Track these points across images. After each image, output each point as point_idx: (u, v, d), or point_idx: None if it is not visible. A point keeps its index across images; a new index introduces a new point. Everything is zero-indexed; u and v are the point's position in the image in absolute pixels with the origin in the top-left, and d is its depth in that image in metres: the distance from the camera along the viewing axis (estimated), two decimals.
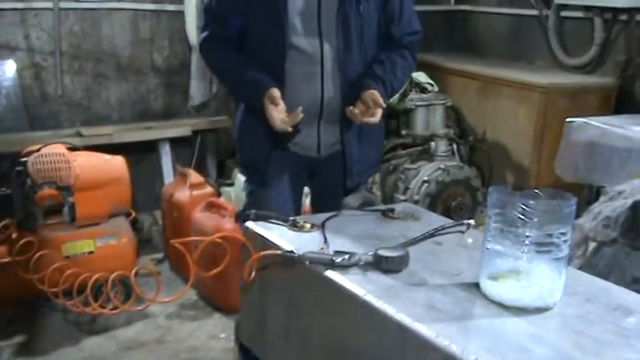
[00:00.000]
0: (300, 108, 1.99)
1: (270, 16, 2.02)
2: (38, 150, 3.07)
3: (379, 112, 2.03)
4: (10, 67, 3.91)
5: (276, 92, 2.02)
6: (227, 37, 2.14)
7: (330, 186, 2.24)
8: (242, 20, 2.09)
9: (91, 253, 3.21)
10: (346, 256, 1.41)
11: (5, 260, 3.01)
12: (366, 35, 2.07)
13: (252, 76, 2.07)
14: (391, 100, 3.72)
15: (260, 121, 2.10)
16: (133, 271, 2.42)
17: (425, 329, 1.12)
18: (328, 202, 2.02)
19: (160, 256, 3.88)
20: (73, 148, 3.31)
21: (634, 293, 1.32)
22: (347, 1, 2.00)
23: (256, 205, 2.17)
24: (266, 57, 2.09)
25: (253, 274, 1.58)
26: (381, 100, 1.99)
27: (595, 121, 3.18)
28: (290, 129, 2.04)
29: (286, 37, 2.02)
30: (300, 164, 2.24)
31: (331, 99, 2.10)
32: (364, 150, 2.22)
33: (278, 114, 2.03)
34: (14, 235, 3.06)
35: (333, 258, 1.41)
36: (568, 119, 3.30)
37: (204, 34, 2.20)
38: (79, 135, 3.94)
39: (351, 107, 2.02)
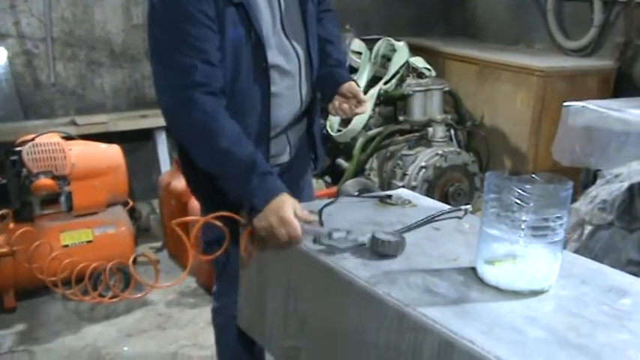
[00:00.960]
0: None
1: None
2: (33, 139, 3.07)
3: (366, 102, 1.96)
4: (1, 55, 3.89)
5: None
6: (216, 84, 1.65)
7: (297, 178, 2.08)
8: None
9: (89, 242, 3.22)
10: (343, 233, 1.40)
11: (3, 250, 3.01)
12: (311, 29, 1.91)
13: (265, 170, 1.63)
14: (388, 86, 3.73)
15: None
16: (132, 259, 2.41)
17: (422, 313, 1.13)
18: (298, 194, 1.84)
19: (158, 244, 3.89)
20: (68, 137, 3.31)
21: (629, 275, 1.32)
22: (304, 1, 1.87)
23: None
24: (248, 89, 1.74)
25: (249, 248, 1.58)
26: (361, 94, 1.93)
27: (593, 105, 3.17)
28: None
29: (265, 57, 1.73)
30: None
31: (306, 100, 1.92)
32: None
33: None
34: (12, 225, 3.06)
35: (331, 232, 1.40)
36: (566, 103, 3.30)
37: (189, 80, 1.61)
38: (74, 124, 3.93)
39: (336, 103, 1.92)
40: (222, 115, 1.64)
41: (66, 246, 3.16)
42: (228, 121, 1.64)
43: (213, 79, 1.63)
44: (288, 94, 1.83)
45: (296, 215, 1.52)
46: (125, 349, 2.84)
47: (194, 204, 3.32)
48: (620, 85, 3.84)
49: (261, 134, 1.80)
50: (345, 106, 1.92)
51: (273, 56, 1.75)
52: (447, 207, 1.76)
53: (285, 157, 1.96)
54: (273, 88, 1.77)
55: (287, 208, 1.53)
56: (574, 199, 2.27)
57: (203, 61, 1.60)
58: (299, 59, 1.83)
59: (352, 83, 1.94)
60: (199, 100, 1.60)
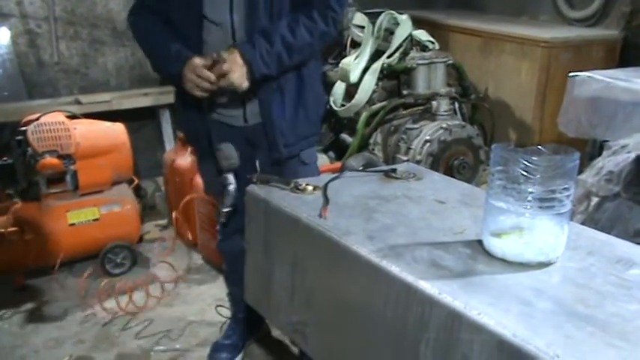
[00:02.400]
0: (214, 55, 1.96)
1: None
2: (37, 119, 3.06)
3: (237, 74, 1.93)
4: (3, 35, 3.87)
5: (197, 60, 1.96)
6: (155, 9, 2.09)
7: (264, 157, 2.18)
8: None
9: (95, 220, 3.24)
10: None
11: (11, 229, 3.03)
12: (276, 4, 1.98)
13: (177, 49, 2.01)
14: (391, 59, 3.70)
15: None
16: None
17: (429, 286, 1.13)
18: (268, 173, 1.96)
19: (164, 222, 3.90)
20: (72, 116, 3.31)
21: (636, 246, 1.32)
22: None
23: (206, 182, 2.42)
24: (185, 28, 2.05)
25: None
26: (234, 74, 1.92)
27: (599, 75, 3.14)
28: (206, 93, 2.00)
29: (201, 9, 2.00)
30: (239, 136, 2.15)
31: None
32: (293, 120, 2.13)
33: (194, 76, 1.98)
34: (18, 205, 3.08)
35: None
36: (571, 73, 3.27)
37: (135, 3, 2.16)
38: (78, 102, 3.92)
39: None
40: (148, 24, 2.09)
41: (72, 224, 3.18)
42: (149, 25, 2.08)
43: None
44: (220, 48, 1.98)
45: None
46: (133, 325, 2.87)
47: (198, 181, 3.33)
48: (626, 55, 3.80)
49: None
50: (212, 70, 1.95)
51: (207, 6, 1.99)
52: (452, 181, 1.77)
53: (239, 122, 2.13)
54: (204, 36, 2.02)
55: (194, 64, 1.93)
56: (580, 171, 2.26)
57: None
58: (232, 21, 1.98)
59: (234, 55, 1.93)
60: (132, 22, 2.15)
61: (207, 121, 2.10)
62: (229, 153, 2.06)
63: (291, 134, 2.14)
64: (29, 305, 3.05)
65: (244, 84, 1.96)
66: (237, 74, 1.93)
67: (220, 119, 2.16)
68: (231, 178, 2.08)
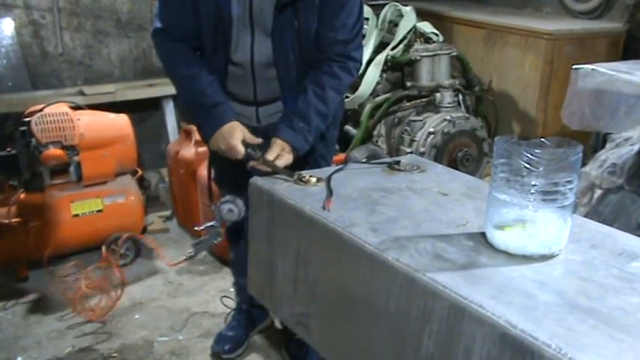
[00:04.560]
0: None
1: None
2: (41, 110, 3.07)
3: (285, 158, 1.89)
4: (7, 26, 3.87)
5: (239, 148, 1.91)
6: (181, 37, 2.03)
7: None
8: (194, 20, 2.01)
9: (99, 211, 3.24)
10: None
11: (15, 220, 3.04)
12: (304, 40, 1.98)
13: (217, 101, 2.01)
14: (395, 51, 3.70)
15: None
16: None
17: (431, 279, 1.13)
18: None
19: (167, 213, 3.91)
20: (76, 107, 3.31)
21: (639, 238, 1.32)
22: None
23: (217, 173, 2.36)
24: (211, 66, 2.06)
25: None
26: (281, 161, 1.86)
27: (602, 68, 3.13)
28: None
29: (229, 54, 2.02)
30: (252, 131, 2.11)
31: (264, 92, 2.10)
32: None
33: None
34: (22, 196, 3.09)
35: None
36: (575, 66, 3.26)
37: (158, 25, 2.04)
38: (82, 94, 3.93)
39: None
40: (178, 56, 2.03)
41: (76, 215, 3.18)
42: (184, 60, 2.03)
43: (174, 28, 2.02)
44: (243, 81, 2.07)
45: (244, 142, 1.90)
46: (136, 316, 2.88)
47: (202, 172, 3.34)
48: (629, 48, 3.79)
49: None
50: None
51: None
52: (456, 173, 1.77)
53: (252, 122, 2.14)
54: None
55: (234, 135, 1.91)
56: (584, 163, 2.26)
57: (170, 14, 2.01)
58: (252, 54, 2.01)
59: (281, 143, 1.92)
60: (159, 43, 2.08)
61: None
62: (237, 205, 1.93)
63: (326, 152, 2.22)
64: (32, 296, 3.06)
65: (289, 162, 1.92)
66: (284, 160, 1.89)
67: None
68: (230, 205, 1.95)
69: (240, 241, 2.41)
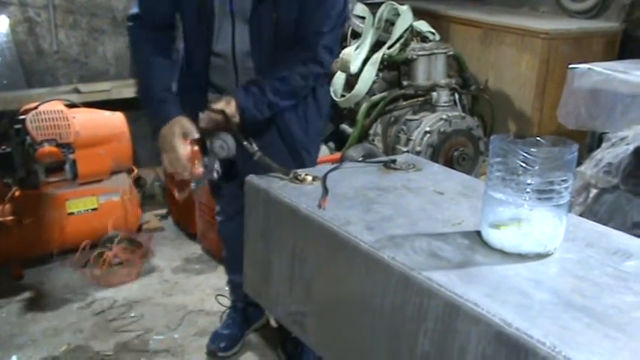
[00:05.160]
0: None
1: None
2: (36, 107, 3.06)
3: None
4: (2, 23, 3.86)
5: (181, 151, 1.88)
6: (156, 24, 2.05)
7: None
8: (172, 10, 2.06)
9: (94, 209, 3.24)
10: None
11: (10, 218, 3.03)
12: (281, 31, 1.99)
13: (161, 98, 2.00)
14: (392, 50, 3.69)
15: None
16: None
17: (427, 277, 1.13)
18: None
19: (163, 211, 3.91)
20: (71, 105, 3.30)
21: (634, 237, 1.32)
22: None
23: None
24: (194, 57, 2.12)
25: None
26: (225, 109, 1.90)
27: (598, 67, 3.14)
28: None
29: (211, 45, 2.06)
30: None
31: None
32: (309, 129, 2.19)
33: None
34: (17, 193, 3.08)
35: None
36: (571, 65, 3.27)
37: (135, 11, 2.06)
38: (77, 91, 3.92)
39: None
40: (144, 45, 2.03)
41: (71, 214, 3.18)
42: (148, 51, 2.02)
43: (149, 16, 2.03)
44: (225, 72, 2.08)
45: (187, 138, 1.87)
46: (132, 315, 2.87)
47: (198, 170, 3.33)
48: (626, 47, 3.79)
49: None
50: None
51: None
52: (452, 172, 1.77)
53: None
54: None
55: (173, 135, 1.87)
56: (579, 163, 2.27)
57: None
58: (234, 44, 2.03)
59: (230, 100, 1.94)
60: (131, 30, 2.08)
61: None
62: (227, 143, 1.98)
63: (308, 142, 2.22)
64: (27, 294, 3.05)
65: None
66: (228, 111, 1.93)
67: None
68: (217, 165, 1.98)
69: (233, 235, 2.39)
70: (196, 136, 1.90)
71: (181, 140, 1.87)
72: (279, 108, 2.06)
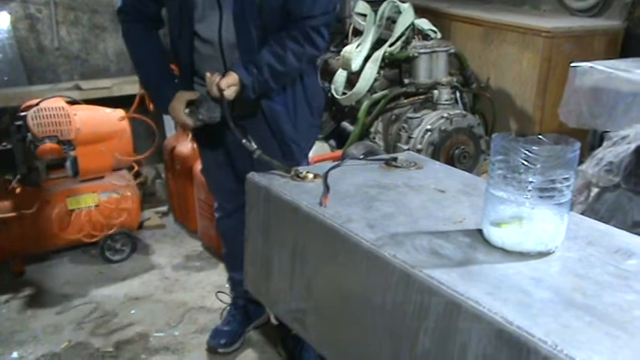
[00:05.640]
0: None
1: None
2: (37, 104, 3.06)
3: (232, 90, 1.99)
4: (3, 20, 3.85)
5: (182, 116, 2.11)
6: (142, 14, 2.17)
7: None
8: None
9: (95, 206, 3.23)
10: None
11: (11, 215, 3.03)
12: (267, 21, 2.02)
13: (156, 84, 2.21)
14: (393, 48, 3.69)
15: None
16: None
17: (428, 275, 1.13)
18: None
19: (164, 208, 3.91)
20: (72, 102, 3.30)
21: (635, 236, 1.32)
22: None
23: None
24: (176, 41, 2.17)
25: None
26: (222, 84, 1.97)
27: (600, 66, 3.13)
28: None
29: (192, 26, 2.09)
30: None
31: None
32: (300, 123, 2.22)
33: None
34: (18, 190, 3.08)
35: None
36: (573, 64, 3.26)
37: (119, 4, 2.20)
38: (78, 88, 3.91)
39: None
40: (135, 37, 2.18)
41: (72, 210, 3.18)
42: (140, 41, 2.18)
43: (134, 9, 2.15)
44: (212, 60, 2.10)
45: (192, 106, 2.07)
46: (132, 312, 2.88)
47: (198, 167, 3.33)
48: (628, 46, 3.78)
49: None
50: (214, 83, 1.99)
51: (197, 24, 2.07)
52: (453, 170, 1.77)
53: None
54: (195, 50, 2.12)
55: (175, 111, 2.11)
56: (580, 161, 2.26)
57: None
58: (220, 32, 2.05)
59: (231, 72, 2.00)
60: (121, 24, 2.22)
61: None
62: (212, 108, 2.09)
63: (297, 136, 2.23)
64: (28, 291, 3.06)
65: (231, 91, 2.00)
66: (232, 91, 1.99)
67: None
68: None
69: (231, 232, 2.46)
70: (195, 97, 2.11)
71: (184, 110, 2.10)
72: (270, 90, 2.09)
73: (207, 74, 2.00)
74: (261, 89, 2.05)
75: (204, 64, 2.13)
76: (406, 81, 3.66)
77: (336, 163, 1.75)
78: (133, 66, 2.32)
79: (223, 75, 1.99)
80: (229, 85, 1.97)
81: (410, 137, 3.48)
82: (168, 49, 2.24)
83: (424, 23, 3.78)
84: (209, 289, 3.05)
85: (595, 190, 2.20)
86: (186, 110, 2.10)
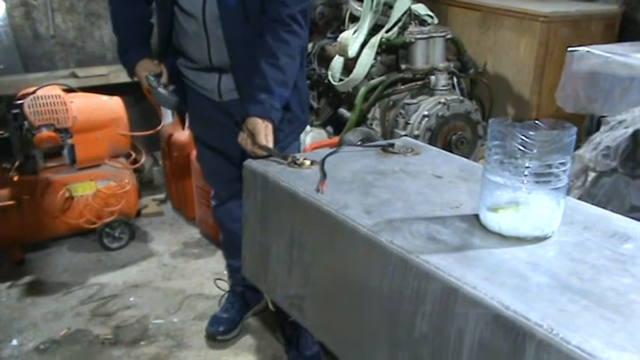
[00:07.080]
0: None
1: None
2: (34, 92, 3.05)
3: (270, 135, 1.88)
4: None
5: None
6: None
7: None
8: None
9: (93, 194, 3.23)
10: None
11: (9, 203, 3.04)
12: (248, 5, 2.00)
13: (124, 49, 2.29)
14: (390, 34, 3.68)
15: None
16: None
17: (425, 260, 1.14)
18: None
19: (162, 196, 3.91)
20: (69, 90, 3.29)
21: (632, 220, 1.32)
22: None
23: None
24: (159, 12, 2.20)
25: None
26: (259, 135, 1.82)
27: (597, 50, 3.13)
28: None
29: None
30: (214, 106, 2.24)
31: (218, 54, 2.10)
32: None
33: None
34: (16, 178, 3.08)
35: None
36: (570, 48, 3.25)
37: None
38: (74, 76, 3.90)
39: (242, 135, 1.88)
40: (117, 5, 2.28)
41: (70, 198, 3.18)
42: (119, 7, 2.26)
43: None
44: (192, 35, 2.10)
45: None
46: (131, 299, 2.89)
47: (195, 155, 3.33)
48: (625, 30, 3.78)
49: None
50: (248, 141, 1.85)
51: None
52: (450, 156, 1.77)
53: (214, 96, 2.21)
54: (177, 23, 2.12)
55: (141, 77, 2.23)
56: (577, 146, 2.27)
57: None
58: (204, 5, 2.03)
59: (253, 120, 1.87)
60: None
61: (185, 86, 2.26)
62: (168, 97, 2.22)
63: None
64: (27, 279, 3.06)
65: (269, 137, 1.88)
66: (262, 135, 1.85)
67: (200, 91, 2.24)
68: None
69: (228, 219, 2.47)
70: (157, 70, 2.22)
71: (149, 78, 2.21)
72: (287, 98, 2.02)
73: (238, 139, 1.87)
74: (281, 103, 1.97)
75: (189, 42, 2.11)
76: (403, 67, 3.66)
77: (333, 149, 1.75)
78: (112, 27, 2.37)
79: (243, 121, 1.89)
80: (264, 134, 1.84)
81: (407, 123, 3.48)
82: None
83: (421, 9, 3.76)
84: (207, 276, 3.06)
85: (592, 175, 2.21)
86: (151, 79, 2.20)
